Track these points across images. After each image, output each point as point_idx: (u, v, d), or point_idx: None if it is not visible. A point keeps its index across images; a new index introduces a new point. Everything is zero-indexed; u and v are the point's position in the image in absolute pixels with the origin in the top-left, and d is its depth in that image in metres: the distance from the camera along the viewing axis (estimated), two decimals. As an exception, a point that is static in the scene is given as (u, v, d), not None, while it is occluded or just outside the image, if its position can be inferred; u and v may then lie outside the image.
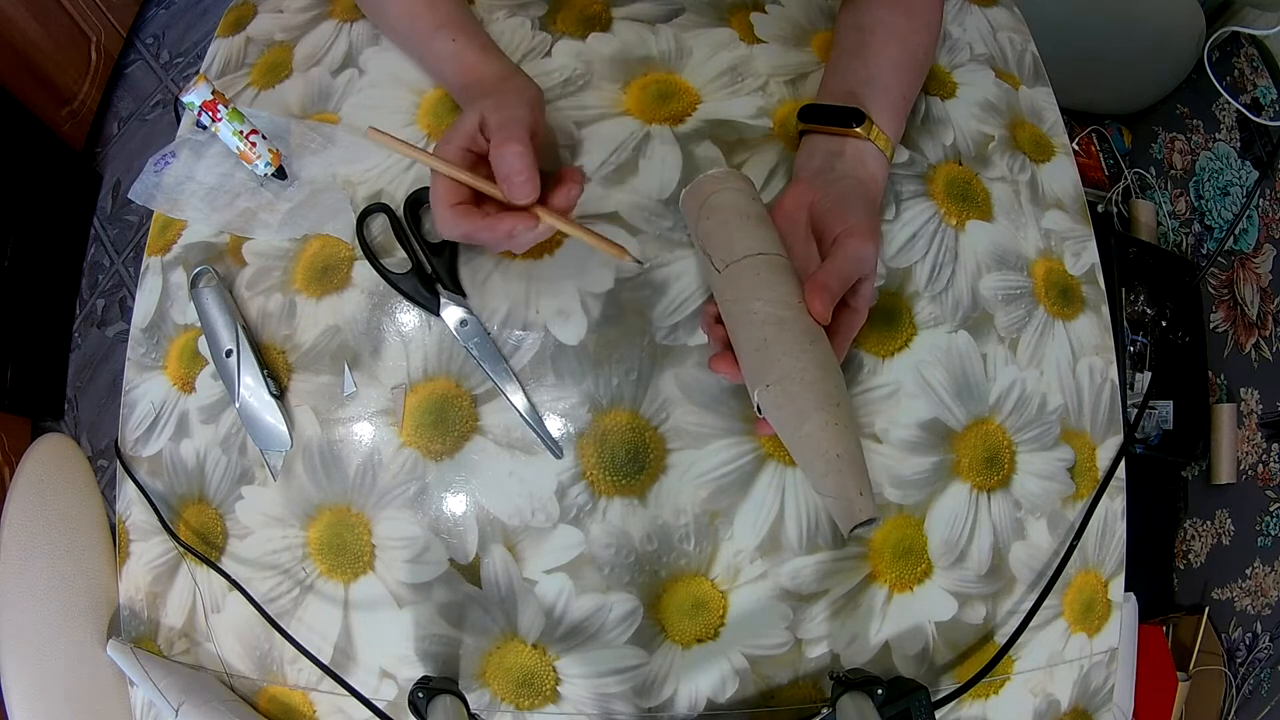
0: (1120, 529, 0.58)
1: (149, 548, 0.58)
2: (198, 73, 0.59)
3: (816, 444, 0.40)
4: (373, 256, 0.55)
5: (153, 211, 0.62)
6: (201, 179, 0.61)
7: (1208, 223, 1.34)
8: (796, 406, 0.41)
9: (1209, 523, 1.25)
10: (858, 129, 0.51)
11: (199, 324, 0.56)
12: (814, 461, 0.40)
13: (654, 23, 0.62)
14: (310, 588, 0.53)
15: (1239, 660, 1.12)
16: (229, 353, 0.54)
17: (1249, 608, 1.13)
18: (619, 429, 0.52)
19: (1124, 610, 0.59)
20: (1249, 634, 1.12)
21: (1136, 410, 1.14)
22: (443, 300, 0.53)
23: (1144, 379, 1.23)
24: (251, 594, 0.53)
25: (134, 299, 0.61)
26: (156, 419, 0.58)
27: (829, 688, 0.50)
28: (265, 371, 0.54)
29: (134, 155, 1.75)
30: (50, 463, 0.67)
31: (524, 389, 0.52)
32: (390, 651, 0.52)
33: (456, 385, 0.53)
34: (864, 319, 0.49)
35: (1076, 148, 1.49)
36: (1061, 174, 0.64)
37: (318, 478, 0.54)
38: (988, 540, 0.54)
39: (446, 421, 0.53)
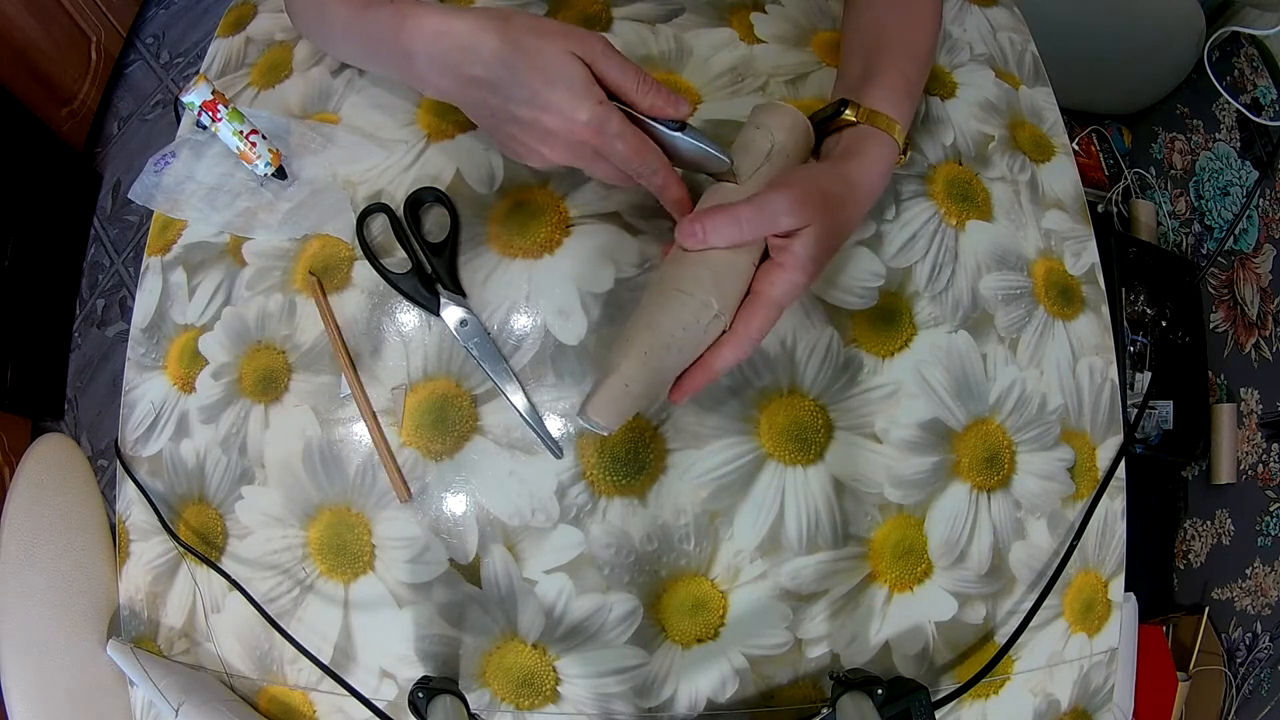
0: (1120, 529, 0.58)
1: (149, 548, 0.58)
2: (198, 73, 0.59)
3: (625, 362, 0.43)
4: (373, 256, 0.55)
5: (153, 211, 0.62)
6: (201, 179, 0.61)
7: (1208, 223, 1.34)
8: (636, 324, 0.44)
9: (1209, 523, 1.25)
10: (845, 114, 0.50)
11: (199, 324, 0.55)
12: (616, 363, 0.43)
13: (654, 23, 0.62)
14: (310, 588, 0.53)
15: (1239, 660, 1.12)
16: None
17: (1249, 608, 1.13)
18: (619, 429, 0.52)
19: (1124, 610, 0.59)
20: (1249, 634, 1.12)
21: (1136, 410, 1.14)
22: (443, 300, 0.53)
23: (1144, 379, 1.23)
24: (251, 594, 0.53)
25: (134, 299, 0.61)
26: (156, 419, 0.58)
27: (829, 688, 0.50)
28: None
29: (134, 155, 1.75)
30: (50, 463, 0.67)
31: (524, 389, 0.52)
32: (390, 651, 0.52)
33: (456, 385, 0.53)
34: (790, 285, 0.44)
35: (1076, 148, 1.49)
36: (1061, 174, 0.64)
37: (318, 478, 0.54)
38: (988, 540, 0.54)
39: (446, 421, 0.53)
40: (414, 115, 0.59)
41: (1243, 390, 1.23)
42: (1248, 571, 1.14)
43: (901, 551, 0.53)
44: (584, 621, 0.51)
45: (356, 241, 0.56)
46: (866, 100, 0.50)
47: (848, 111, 0.50)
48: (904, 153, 0.51)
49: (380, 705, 0.50)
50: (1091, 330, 0.60)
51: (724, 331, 0.44)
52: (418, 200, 0.56)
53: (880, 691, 0.46)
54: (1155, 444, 1.23)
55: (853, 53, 0.56)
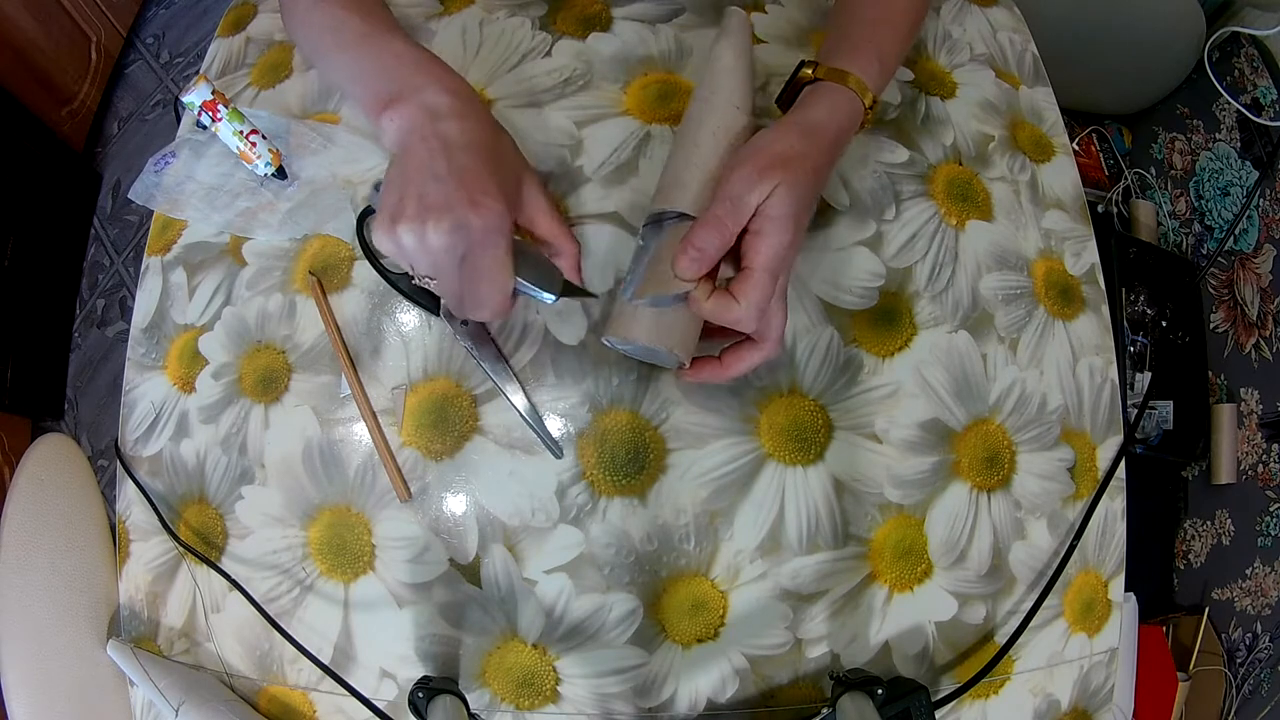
0: (1120, 529, 0.58)
1: (149, 548, 0.58)
2: (198, 73, 0.59)
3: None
4: (373, 257, 0.55)
5: (153, 211, 0.62)
6: (201, 179, 0.61)
7: (1208, 223, 1.34)
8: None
9: (1209, 523, 1.25)
10: (803, 71, 0.49)
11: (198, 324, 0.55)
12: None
13: (654, 23, 0.62)
14: (310, 588, 0.53)
15: (1239, 660, 1.12)
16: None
17: (1249, 608, 1.13)
18: (619, 429, 0.52)
19: (1124, 610, 0.59)
20: (1249, 634, 1.12)
21: (1136, 410, 1.14)
22: (443, 300, 0.53)
23: (1144, 379, 1.23)
24: (251, 594, 0.53)
25: (134, 299, 0.61)
26: (156, 419, 0.58)
27: (829, 688, 0.50)
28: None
29: (134, 155, 1.74)
30: (50, 463, 0.67)
31: (524, 389, 0.52)
32: (390, 651, 0.52)
33: (456, 385, 0.53)
34: (776, 249, 0.43)
35: (1076, 148, 1.49)
36: (1061, 174, 0.64)
37: (318, 478, 0.54)
38: (988, 540, 0.54)
39: (446, 421, 0.53)
40: (414, 115, 0.59)
41: (1243, 390, 1.23)
42: (1248, 572, 1.14)
43: (901, 551, 0.53)
44: (584, 621, 0.51)
45: (356, 241, 0.56)
46: (830, 63, 0.49)
47: (805, 69, 0.49)
48: (870, 107, 0.49)
49: (380, 705, 0.50)
50: (1091, 330, 0.60)
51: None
52: (418, 200, 0.56)
53: (880, 691, 0.46)
54: (1155, 444, 1.23)
55: (831, 28, 0.54)
